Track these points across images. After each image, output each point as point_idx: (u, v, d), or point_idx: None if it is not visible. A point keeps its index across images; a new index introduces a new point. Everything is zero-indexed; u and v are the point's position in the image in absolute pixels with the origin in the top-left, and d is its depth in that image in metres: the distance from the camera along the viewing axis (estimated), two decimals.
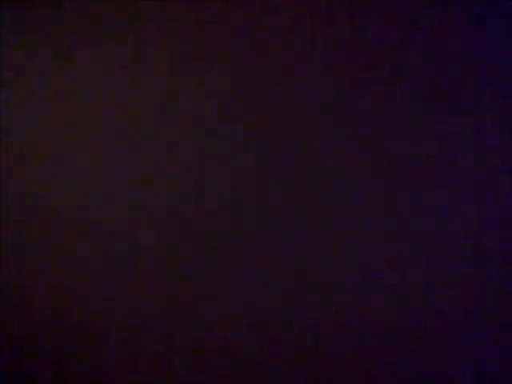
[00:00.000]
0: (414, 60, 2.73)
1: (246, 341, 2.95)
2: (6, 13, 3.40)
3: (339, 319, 2.81)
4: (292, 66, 2.90)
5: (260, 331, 2.93)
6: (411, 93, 2.73)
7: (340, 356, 2.81)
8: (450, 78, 2.69)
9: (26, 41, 3.36)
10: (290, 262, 2.88)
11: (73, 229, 3.23)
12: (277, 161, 2.92)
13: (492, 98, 2.63)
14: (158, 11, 3.13)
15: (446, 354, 2.67)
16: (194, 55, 3.06)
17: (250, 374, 2.94)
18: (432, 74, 2.71)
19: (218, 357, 2.99)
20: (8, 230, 3.36)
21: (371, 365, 2.77)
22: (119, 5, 3.19)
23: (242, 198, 2.96)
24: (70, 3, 3.28)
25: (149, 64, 3.14)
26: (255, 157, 2.95)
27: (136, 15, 3.16)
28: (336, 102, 2.84)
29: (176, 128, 3.08)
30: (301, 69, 2.89)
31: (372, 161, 2.78)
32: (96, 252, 3.19)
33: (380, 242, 2.76)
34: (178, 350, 3.05)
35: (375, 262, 2.77)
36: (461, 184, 2.67)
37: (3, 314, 3.37)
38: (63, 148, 3.27)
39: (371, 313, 2.77)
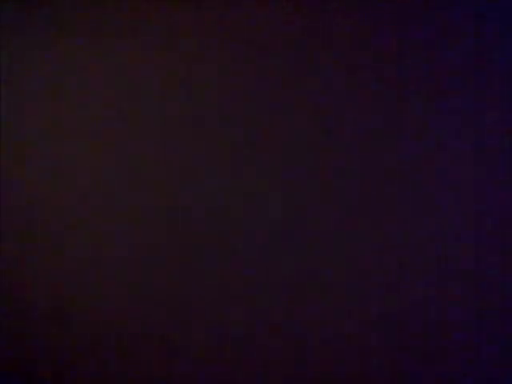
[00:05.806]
0: (414, 60, 2.73)
1: (246, 341, 2.95)
2: (6, 13, 3.40)
3: (339, 319, 2.81)
4: (292, 65, 2.91)
5: (260, 331, 2.93)
6: (411, 93, 2.73)
7: (340, 355, 2.81)
8: (449, 77, 2.69)
9: (26, 41, 3.36)
10: (289, 262, 2.89)
11: (73, 228, 3.24)
12: (277, 161, 2.92)
13: (492, 98, 2.63)
14: (158, 11, 3.13)
15: (446, 354, 2.67)
16: (193, 55, 3.07)
17: (250, 373, 2.94)
18: (432, 74, 2.71)
19: (218, 357, 2.99)
20: (8, 230, 3.36)
21: (371, 365, 2.77)
22: (119, 5, 3.20)
23: (242, 198, 2.97)
24: (71, 4, 3.28)
25: (149, 64, 3.14)
26: (255, 157, 2.95)
27: (136, 16, 3.17)
28: (336, 102, 2.84)
29: (176, 128, 3.08)
30: (300, 69, 2.89)
31: (372, 161, 2.78)
32: (96, 252, 3.19)
33: (380, 241, 2.76)
34: (177, 350, 3.05)
35: (375, 262, 2.77)
36: (461, 183, 2.67)
37: (3, 314, 3.37)
38: (63, 148, 3.27)
39: (371, 312, 2.77)
